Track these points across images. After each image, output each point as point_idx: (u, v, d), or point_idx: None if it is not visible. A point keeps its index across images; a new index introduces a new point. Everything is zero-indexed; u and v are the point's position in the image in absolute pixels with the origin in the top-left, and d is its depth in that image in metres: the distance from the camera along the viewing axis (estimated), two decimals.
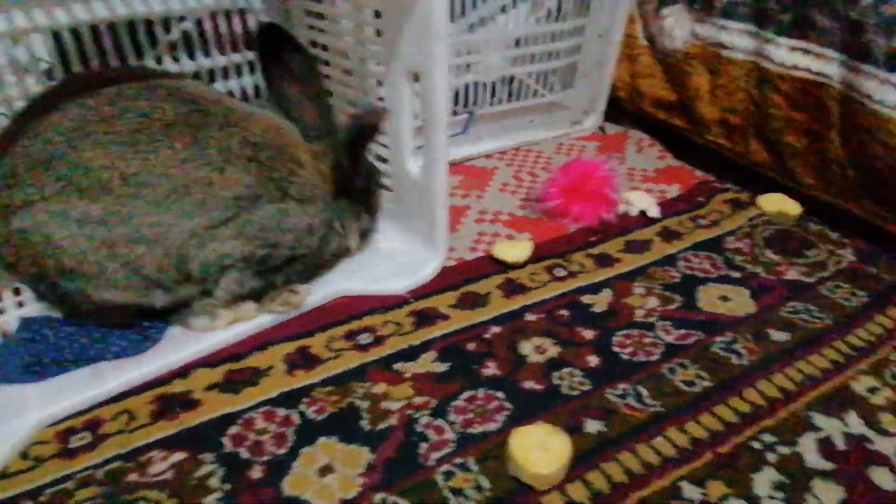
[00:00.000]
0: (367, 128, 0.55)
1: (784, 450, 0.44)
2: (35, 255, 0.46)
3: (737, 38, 0.71)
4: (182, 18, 0.62)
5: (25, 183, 0.45)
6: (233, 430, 0.45)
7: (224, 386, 0.48)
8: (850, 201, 0.66)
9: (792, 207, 0.72)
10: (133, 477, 0.41)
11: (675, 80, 0.81)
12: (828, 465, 0.43)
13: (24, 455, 0.43)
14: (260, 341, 0.53)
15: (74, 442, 0.44)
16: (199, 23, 0.64)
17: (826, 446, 0.44)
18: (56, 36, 0.56)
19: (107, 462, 0.42)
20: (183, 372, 0.49)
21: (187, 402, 0.47)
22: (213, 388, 0.48)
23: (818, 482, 0.42)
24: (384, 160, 0.65)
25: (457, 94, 0.84)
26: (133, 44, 0.60)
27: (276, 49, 0.54)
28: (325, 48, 0.67)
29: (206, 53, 0.65)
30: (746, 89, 0.72)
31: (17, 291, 0.54)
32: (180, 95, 0.49)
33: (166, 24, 0.62)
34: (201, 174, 0.47)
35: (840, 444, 0.44)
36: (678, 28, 0.78)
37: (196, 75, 0.65)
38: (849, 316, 0.56)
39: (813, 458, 0.43)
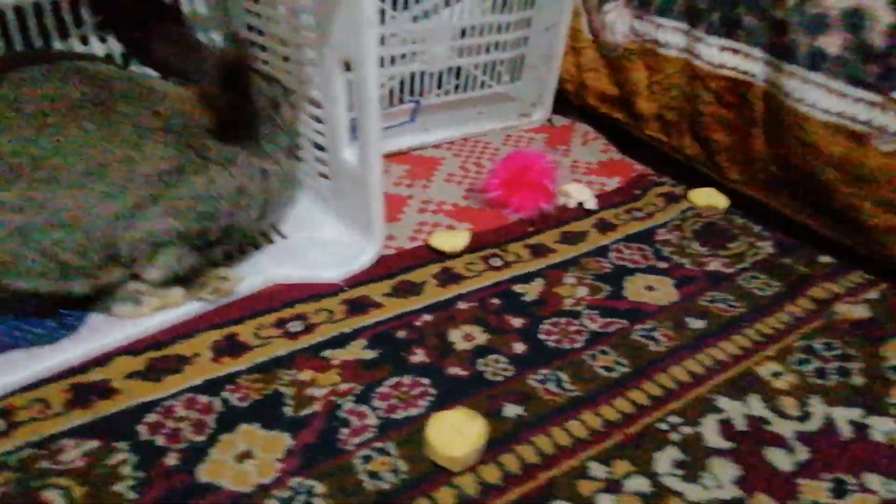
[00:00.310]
0: (233, 64, 0.51)
1: (687, 430, 0.46)
2: None
3: (671, 36, 0.73)
4: None
5: None
6: (151, 418, 0.45)
7: (145, 374, 0.48)
8: (771, 196, 0.69)
9: (721, 201, 0.75)
10: (44, 464, 0.41)
11: (616, 75, 0.83)
12: (726, 445, 0.45)
13: None
14: (187, 329, 0.52)
15: None
16: None
17: (726, 427, 0.47)
18: None
19: (19, 449, 0.42)
20: (103, 360, 0.49)
21: (104, 391, 0.46)
22: (133, 377, 0.48)
23: (715, 460, 0.44)
24: (321, 148, 0.64)
25: (402, 83, 0.84)
26: (58, 24, 0.58)
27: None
28: (261, 33, 0.66)
29: None
30: (680, 86, 0.74)
31: None
32: (83, 74, 0.48)
33: None
34: (119, 153, 0.46)
35: (740, 424, 0.47)
36: (619, 23, 0.79)
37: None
38: (761, 305, 0.59)
39: (713, 438, 0.46)
